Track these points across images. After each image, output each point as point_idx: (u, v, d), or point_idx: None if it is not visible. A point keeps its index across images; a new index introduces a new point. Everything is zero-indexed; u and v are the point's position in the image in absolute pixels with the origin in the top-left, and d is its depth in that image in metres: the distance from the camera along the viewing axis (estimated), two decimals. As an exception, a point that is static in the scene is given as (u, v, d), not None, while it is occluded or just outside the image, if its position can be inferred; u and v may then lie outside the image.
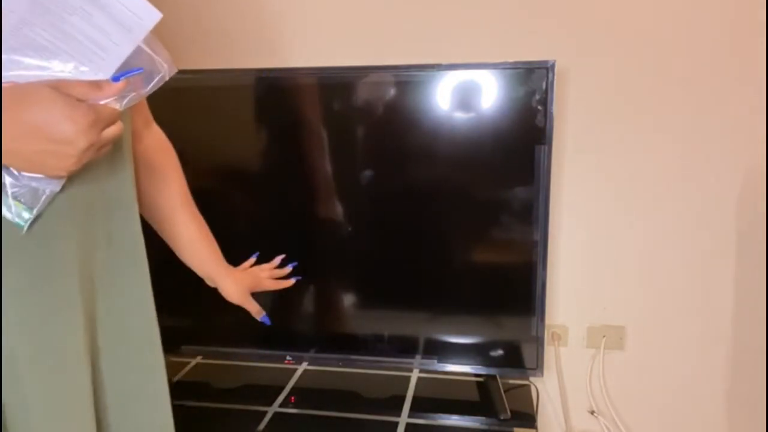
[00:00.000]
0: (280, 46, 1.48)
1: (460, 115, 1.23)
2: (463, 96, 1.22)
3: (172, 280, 1.42)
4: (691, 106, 1.36)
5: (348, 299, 1.37)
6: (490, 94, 1.21)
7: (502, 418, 1.29)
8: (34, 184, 0.57)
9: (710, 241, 1.41)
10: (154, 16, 0.57)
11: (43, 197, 0.58)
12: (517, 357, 1.31)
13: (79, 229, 0.64)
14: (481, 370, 1.34)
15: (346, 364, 1.40)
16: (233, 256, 1.40)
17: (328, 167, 1.32)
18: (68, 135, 0.53)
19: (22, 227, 0.58)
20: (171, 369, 1.51)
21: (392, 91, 1.25)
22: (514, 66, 1.19)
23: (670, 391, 1.49)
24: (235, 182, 1.37)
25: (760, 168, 1.37)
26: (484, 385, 1.39)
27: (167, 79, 0.61)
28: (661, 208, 1.42)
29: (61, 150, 0.54)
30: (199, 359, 1.56)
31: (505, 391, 1.34)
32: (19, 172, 0.56)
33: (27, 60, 0.54)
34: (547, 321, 1.33)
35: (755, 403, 1.45)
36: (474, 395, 1.41)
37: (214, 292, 1.41)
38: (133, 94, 0.59)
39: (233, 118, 1.33)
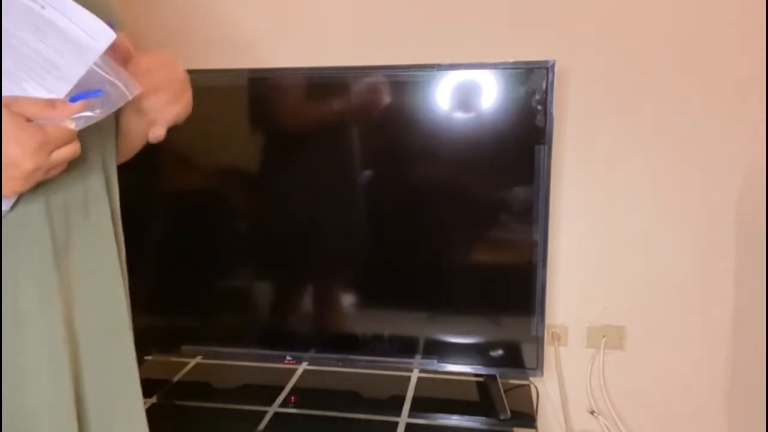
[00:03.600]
0: (279, 46, 1.48)
1: (460, 116, 1.23)
2: (463, 96, 1.22)
3: (172, 281, 1.42)
4: (690, 105, 1.36)
5: (348, 299, 1.37)
6: (490, 94, 1.21)
7: (502, 418, 1.28)
8: None
9: (710, 240, 1.41)
10: (109, 36, 0.55)
11: None
12: (517, 357, 1.31)
13: (53, 226, 0.64)
14: (481, 370, 1.34)
15: (346, 364, 1.39)
16: (231, 255, 1.40)
17: (328, 167, 1.32)
18: (13, 157, 0.52)
19: None
20: (171, 369, 1.51)
21: (392, 92, 1.25)
22: (514, 66, 1.19)
23: (670, 391, 1.49)
24: (232, 182, 1.37)
25: (760, 168, 1.36)
26: (484, 385, 1.39)
27: (130, 98, 0.59)
28: (661, 208, 1.41)
29: (7, 172, 0.52)
30: (199, 359, 1.56)
31: (505, 391, 1.34)
32: None
33: None
34: (547, 321, 1.33)
35: (755, 403, 1.45)
36: (474, 395, 1.41)
37: (214, 292, 1.41)
38: (90, 114, 0.56)
39: (233, 119, 1.33)
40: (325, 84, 1.29)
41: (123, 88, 0.58)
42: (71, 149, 0.56)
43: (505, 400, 1.32)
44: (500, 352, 1.32)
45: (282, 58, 1.48)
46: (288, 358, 1.39)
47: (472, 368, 1.33)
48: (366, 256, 1.35)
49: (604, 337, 1.48)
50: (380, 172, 1.30)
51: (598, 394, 1.52)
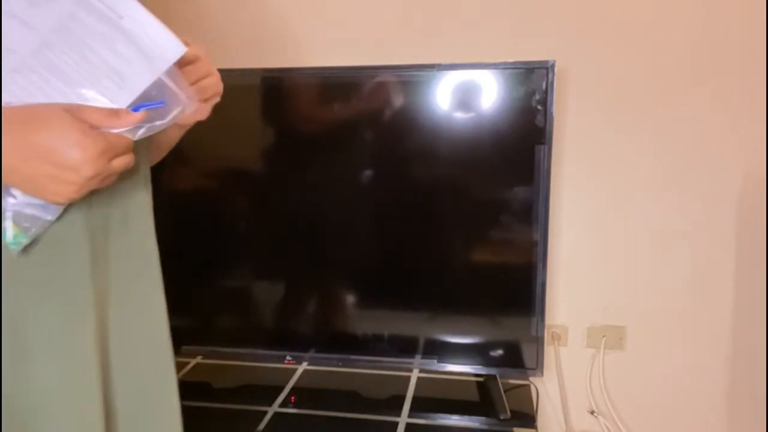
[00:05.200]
0: (279, 46, 1.48)
1: (460, 115, 1.23)
2: (463, 96, 1.22)
3: (172, 281, 1.42)
4: (690, 105, 1.36)
5: (348, 299, 1.37)
6: (490, 94, 1.21)
7: (502, 418, 1.28)
8: (28, 210, 0.55)
9: (710, 241, 1.41)
10: (179, 49, 0.56)
11: (39, 224, 0.56)
12: (517, 357, 1.31)
13: (93, 241, 0.64)
14: (481, 370, 1.34)
15: (346, 364, 1.39)
16: (231, 255, 1.40)
17: (328, 167, 1.32)
18: (73, 161, 0.51)
19: (14, 250, 0.56)
20: (171, 369, 1.51)
21: (392, 91, 1.25)
22: (514, 66, 1.19)
23: (670, 391, 1.49)
24: (235, 182, 1.37)
25: (759, 168, 1.37)
26: (484, 385, 1.39)
27: (188, 112, 0.60)
28: (661, 208, 1.41)
29: (65, 176, 0.52)
30: (199, 359, 1.56)
31: (505, 391, 1.34)
32: (18, 195, 0.54)
33: (44, 82, 0.53)
34: (547, 321, 1.33)
35: (755, 403, 1.45)
36: (474, 395, 1.41)
37: (214, 292, 1.41)
38: (150, 125, 0.57)
39: (232, 118, 1.33)
40: (324, 84, 1.29)
41: (185, 100, 0.59)
42: (126, 160, 0.56)
43: (505, 400, 1.32)
44: (500, 352, 1.32)
45: (281, 58, 1.48)
46: (288, 358, 1.39)
47: (472, 368, 1.33)
48: (366, 255, 1.35)
49: (604, 337, 1.48)
50: (380, 172, 1.30)
51: (598, 394, 1.52)
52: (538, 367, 1.30)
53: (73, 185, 0.53)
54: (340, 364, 1.39)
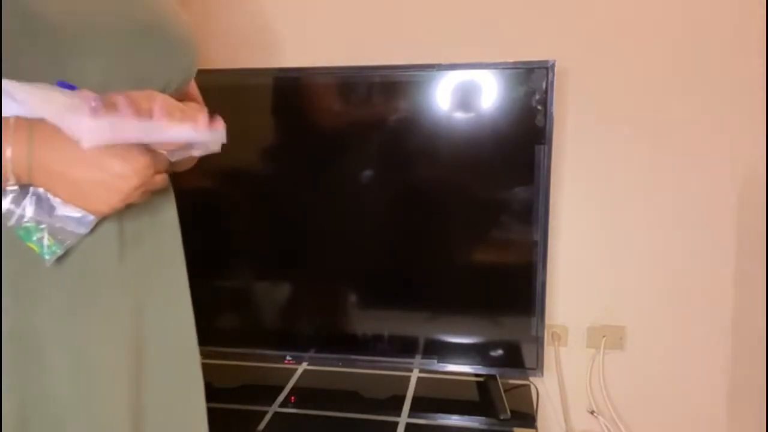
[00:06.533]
0: (278, 46, 1.48)
1: (460, 115, 1.23)
2: (463, 96, 1.22)
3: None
4: (691, 105, 1.36)
5: (348, 299, 1.37)
6: (490, 94, 1.21)
7: (502, 418, 1.28)
8: (64, 224, 0.57)
9: (710, 241, 1.41)
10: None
11: (73, 237, 0.58)
12: (517, 357, 1.31)
13: (125, 252, 0.65)
14: (481, 370, 1.34)
15: (346, 364, 1.39)
16: (233, 254, 1.40)
17: (327, 167, 1.32)
18: (125, 170, 0.55)
19: (48, 260, 0.57)
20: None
21: (392, 91, 1.25)
22: (514, 66, 1.19)
23: (670, 391, 1.49)
24: (235, 182, 1.37)
25: (760, 168, 1.36)
26: (484, 385, 1.39)
27: (218, 148, 0.65)
28: (661, 208, 1.41)
29: (115, 183, 0.55)
30: (199, 359, 1.56)
31: (505, 391, 1.34)
32: (55, 209, 0.56)
33: None
34: (547, 321, 1.33)
35: (755, 403, 1.45)
36: (474, 395, 1.41)
37: (214, 293, 1.41)
38: (183, 152, 0.62)
39: (233, 118, 1.33)
40: (323, 84, 1.29)
41: (219, 137, 0.64)
42: (164, 178, 0.61)
43: (505, 400, 1.32)
44: (500, 352, 1.32)
45: (280, 58, 1.48)
46: (288, 358, 1.39)
47: (472, 368, 1.33)
48: (366, 255, 1.35)
49: (604, 337, 1.48)
50: (380, 172, 1.30)
51: (598, 394, 1.52)
52: (538, 367, 1.30)
53: (120, 194, 0.55)
54: (340, 364, 1.39)
